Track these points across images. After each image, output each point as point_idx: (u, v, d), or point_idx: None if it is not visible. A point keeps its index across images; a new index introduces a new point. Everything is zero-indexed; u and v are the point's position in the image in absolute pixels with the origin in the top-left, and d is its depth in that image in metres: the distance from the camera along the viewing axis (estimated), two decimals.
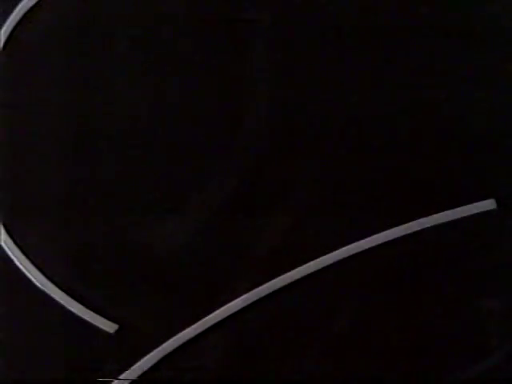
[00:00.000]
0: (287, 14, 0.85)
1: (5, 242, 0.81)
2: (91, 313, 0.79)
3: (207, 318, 0.79)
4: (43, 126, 0.84)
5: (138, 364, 0.78)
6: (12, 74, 0.85)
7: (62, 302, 0.80)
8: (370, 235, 0.80)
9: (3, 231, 0.81)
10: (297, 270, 0.79)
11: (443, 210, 0.80)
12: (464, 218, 0.80)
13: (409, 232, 0.80)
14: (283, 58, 0.84)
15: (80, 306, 0.80)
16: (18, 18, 0.85)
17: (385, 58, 0.84)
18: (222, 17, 0.85)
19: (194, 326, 0.79)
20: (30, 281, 0.80)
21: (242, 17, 0.85)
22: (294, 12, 0.85)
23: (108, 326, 0.79)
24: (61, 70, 0.85)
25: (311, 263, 0.79)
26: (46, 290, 0.80)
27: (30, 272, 0.80)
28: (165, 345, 0.78)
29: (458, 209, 0.80)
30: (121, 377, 0.77)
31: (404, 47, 0.84)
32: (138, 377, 0.78)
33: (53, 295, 0.80)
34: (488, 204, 0.81)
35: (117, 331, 0.79)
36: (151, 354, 0.78)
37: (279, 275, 0.79)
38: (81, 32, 0.85)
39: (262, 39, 0.84)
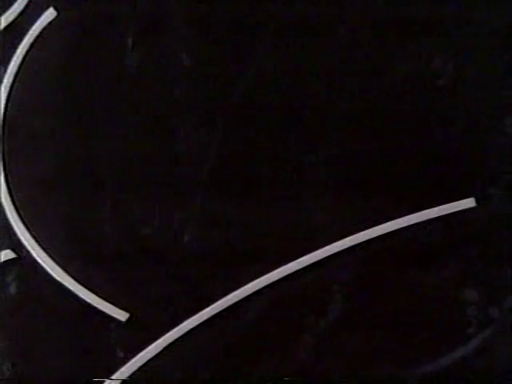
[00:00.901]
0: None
1: (22, 235, 0.83)
2: (103, 301, 0.81)
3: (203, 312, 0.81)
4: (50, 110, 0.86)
5: (130, 363, 0.80)
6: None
7: (74, 290, 0.82)
8: (350, 235, 0.82)
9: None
10: (297, 261, 0.81)
11: (425, 209, 0.82)
12: (445, 215, 0.82)
13: (390, 230, 0.81)
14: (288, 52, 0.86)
15: (92, 295, 0.81)
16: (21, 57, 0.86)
17: (382, 56, 0.85)
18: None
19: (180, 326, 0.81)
20: (45, 272, 0.82)
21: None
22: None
23: (120, 315, 0.81)
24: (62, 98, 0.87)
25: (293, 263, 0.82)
26: (59, 280, 0.82)
27: (45, 263, 0.82)
28: (152, 346, 0.80)
29: (439, 207, 0.82)
30: (113, 377, 0.79)
31: (401, 45, 0.85)
32: (129, 376, 0.80)
33: (66, 284, 0.82)
34: (467, 202, 0.83)
35: (128, 319, 0.81)
36: (140, 354, 0.80)
37: (282, 266, 0.81)
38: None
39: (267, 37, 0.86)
